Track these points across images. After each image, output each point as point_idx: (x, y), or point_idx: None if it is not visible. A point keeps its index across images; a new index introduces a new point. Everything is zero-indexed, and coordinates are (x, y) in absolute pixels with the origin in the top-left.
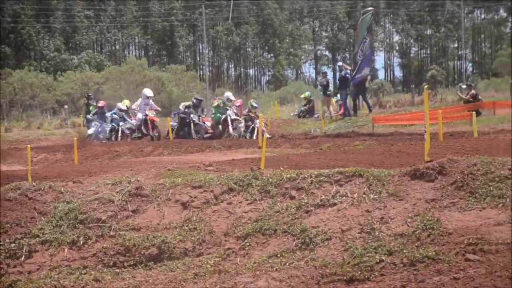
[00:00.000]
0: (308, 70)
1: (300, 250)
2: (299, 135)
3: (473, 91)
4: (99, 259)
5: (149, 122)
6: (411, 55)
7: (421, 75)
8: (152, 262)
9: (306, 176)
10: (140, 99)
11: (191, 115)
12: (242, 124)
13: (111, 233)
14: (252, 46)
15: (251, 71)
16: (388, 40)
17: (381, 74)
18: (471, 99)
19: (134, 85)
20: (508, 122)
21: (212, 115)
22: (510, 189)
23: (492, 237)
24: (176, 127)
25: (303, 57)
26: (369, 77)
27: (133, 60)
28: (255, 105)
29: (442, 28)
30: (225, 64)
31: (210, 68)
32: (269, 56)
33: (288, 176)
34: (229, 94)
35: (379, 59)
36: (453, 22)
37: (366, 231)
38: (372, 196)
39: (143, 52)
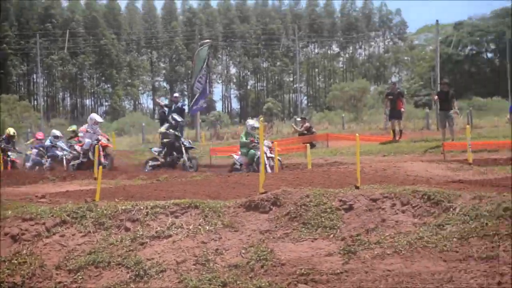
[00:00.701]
0: (146, 101)
1: (134, 282)
2: (135, 166)
3: (307, 124)
4: None
5: (101, 148)
6: (248, 87)
7: (258, 107)
8: None
9: (142, 207)
10: (86, 124)
11: (182, 139)
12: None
13: None
14: (89, 76)
15: (87, 101)
16: (225, 72)
17: (218, 106)
18: (306, 132)
19: None
20: (340, 155)
21: (242, 151)
22: (341, 220)
23: (323, 267)
24: (160, 153)
25: (141, 88)
26: (185, 107)
27: None
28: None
29: (278, 62)
30: (61, 94)
31: (45, 98)
32: (106, 86)
33: (123, 207)
34: (252, 122)
35: (217, 91)
36: (288, 56)
37: (201, 262)
38: (207, 227)
39: None
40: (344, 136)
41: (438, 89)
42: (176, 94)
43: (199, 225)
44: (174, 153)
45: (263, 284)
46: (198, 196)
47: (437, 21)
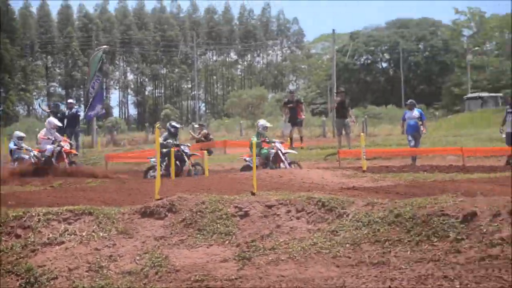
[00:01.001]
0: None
1: None
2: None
3: (205, 131)
4: None
5: (64, 155)
6: (146, 93)
7: (155, 113)
8: None
9: (34, 214)
10: (44, 129)
11: (181, 146)
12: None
13: None
14: None
15: None
16: (123, 78)
17: (115, 112)
18: (203, 138)
19: None
20: (237, 162)
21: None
22: (236, 227)
23: (218, 273)
24: (161, 163)
25: (35, 93)
26: (80, 114)
27: None
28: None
29: (176, 69)
30: None
31: None
32: None
33: (14, 214)
34: (263, 122)
35: (114, 97)
36: (187, 63)
37: (94, 269)
38: (101, 234)
39: None
40: (242, 143)
41: (335, 98)
42: (70, 100)
43: (93, 231)
44: (177, 162)
45: None
46: (93, 203)
47: (333, 30)
